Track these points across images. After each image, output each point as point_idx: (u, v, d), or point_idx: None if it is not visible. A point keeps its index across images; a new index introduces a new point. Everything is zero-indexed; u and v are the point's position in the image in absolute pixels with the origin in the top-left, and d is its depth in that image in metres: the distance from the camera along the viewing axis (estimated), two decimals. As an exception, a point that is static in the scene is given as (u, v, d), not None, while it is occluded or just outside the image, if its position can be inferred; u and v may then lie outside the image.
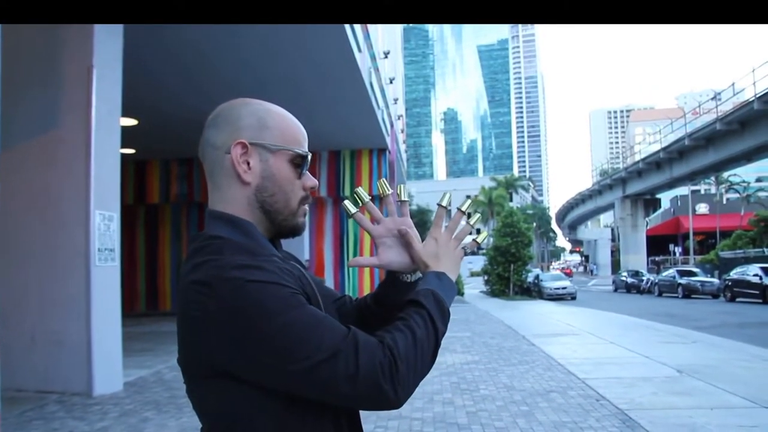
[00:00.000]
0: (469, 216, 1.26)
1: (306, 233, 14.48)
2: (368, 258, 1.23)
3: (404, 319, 1.02)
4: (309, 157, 1.14)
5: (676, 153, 41.34)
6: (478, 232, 1.45)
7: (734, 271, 25.54)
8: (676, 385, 7.00)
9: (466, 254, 1.20)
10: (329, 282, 16.33)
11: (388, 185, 1.24)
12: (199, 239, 1.05)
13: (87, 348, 6.35)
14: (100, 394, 6.39)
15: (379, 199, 1.26)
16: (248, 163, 1.07)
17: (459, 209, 1.21)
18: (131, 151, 14.16)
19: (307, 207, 1.16)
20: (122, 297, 7.06)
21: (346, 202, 1.23)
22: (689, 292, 27.83)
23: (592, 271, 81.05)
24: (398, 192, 1.22)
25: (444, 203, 1.21)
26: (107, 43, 6.73)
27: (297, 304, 0.96)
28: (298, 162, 1.11)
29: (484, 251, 31.88)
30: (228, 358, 0.95)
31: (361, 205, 1.23)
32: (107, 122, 6.71)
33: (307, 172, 1.14)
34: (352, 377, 0.92)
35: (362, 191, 1.22)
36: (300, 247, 13.01)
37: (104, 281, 6.60)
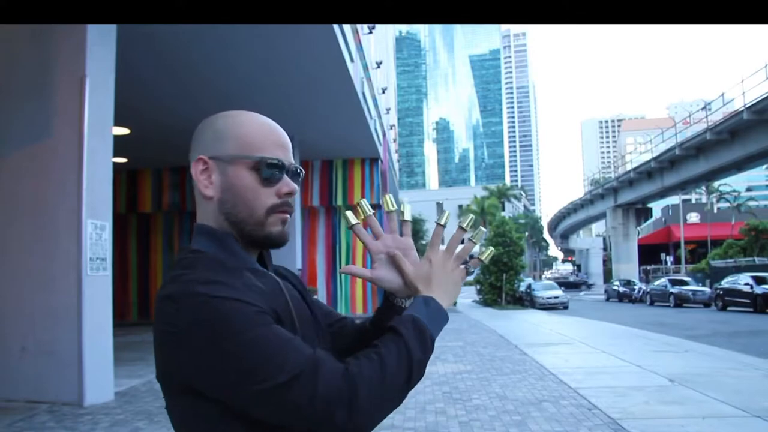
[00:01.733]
0: (466, 229, 1.19)
1: (298, 242, 14.48)
2: (361, 268, 1.19)
3: (377, 347, 0.99)
4: (280, 162, 1.08)
5: (667, 162, 41.63)
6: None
7: (725, 280, 25.67)
8: (667, 395, 7.01)
9: (469, 273, 1.15)
10: (321, 291, 16.30)
11: (393, 202, 1.20)
12: (181, 253, 1.06)
13: (78, 357, 6.30)
14: (91, 404, 6.33)
15: (375, 208, 1.25)
16: (211, 178, 1.07)
17: (460, 226, 1.16)
18: (123, 160, 14.16)
19: (286, 215, 1.10)
20: (114, 306, 7.01)
21: (348, 213, 1.20)
22: (681, 301, 27.93)
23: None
24: (402, 210, 1.18)
25: (442, 222, 1.16)
26: (100, 53, 6.73)
27: (261, 323, 0.93)
28: (263, 168, 1.06)
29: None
30: (192, 373, 0.94)
31: (363, 217, 1.19)
32: (99, 131, 6.70)
33: (285, 177, 1.09)
34: (309, 401, 0.90)
35: (366, 203, 1.19)
36: (292, 256, 12.97)
37: (96, 290, 6.55)
